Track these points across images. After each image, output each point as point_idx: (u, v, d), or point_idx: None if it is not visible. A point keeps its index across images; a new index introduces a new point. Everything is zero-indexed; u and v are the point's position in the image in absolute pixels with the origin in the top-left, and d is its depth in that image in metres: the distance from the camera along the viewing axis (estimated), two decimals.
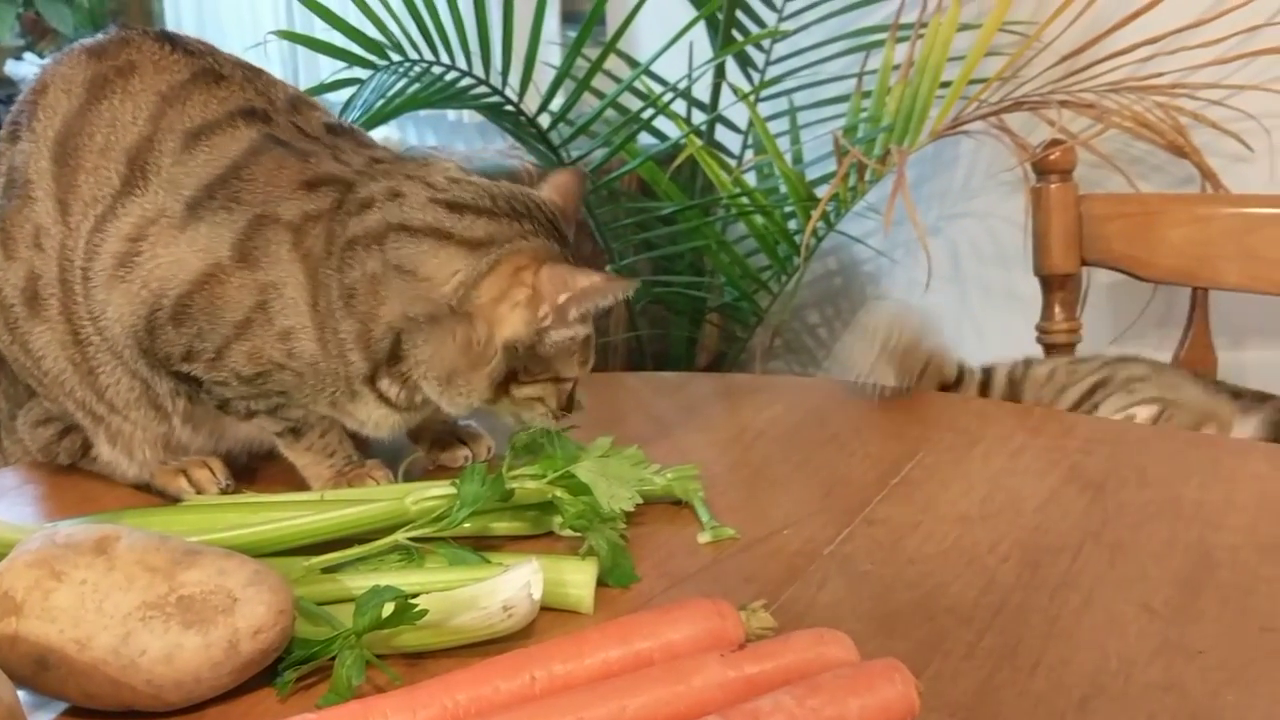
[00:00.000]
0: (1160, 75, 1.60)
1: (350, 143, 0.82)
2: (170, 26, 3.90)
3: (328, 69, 1.68)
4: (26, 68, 4.37)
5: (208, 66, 0.81)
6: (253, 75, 0.83)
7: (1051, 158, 1.31)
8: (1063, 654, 0.64)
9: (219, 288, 0.76)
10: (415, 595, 0.61)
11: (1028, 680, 0.62)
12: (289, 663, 0.61)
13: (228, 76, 0.81)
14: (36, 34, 4.44)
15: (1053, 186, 1.32)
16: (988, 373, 1.16)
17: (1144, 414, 1.03)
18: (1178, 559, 0.75)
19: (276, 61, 3.26)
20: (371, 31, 1.59)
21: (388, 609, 0.60)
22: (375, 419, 0.81)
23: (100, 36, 0.83)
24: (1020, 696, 0.61)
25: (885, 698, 0.55)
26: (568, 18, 2.61)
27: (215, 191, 0.76)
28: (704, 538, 0.78)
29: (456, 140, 2.98)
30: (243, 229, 0.76)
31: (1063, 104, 1.52)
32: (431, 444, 0.89)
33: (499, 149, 2.29)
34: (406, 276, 0.75)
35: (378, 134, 1.89)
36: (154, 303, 0.77)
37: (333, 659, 0.60)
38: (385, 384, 0.78)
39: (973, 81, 1.70)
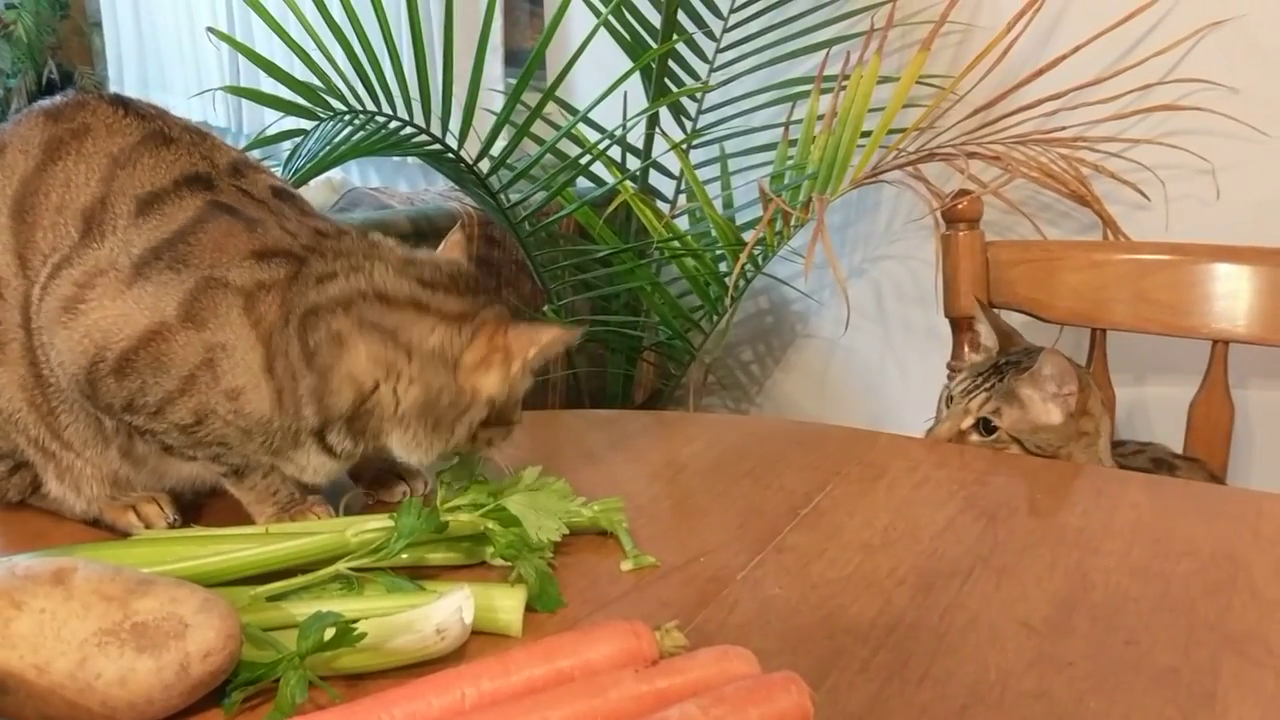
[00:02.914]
0: (1064, 128, 1.70)
1: (294, 210, 0.87)
2: (111, 65, 3.92)
3: (272, 115, 1.73)
4: None
5: (157, 130, 0.86)
6: (199, 139, 0.88)
7: (959, 207, 1.40)
8: (947, 667, 0.71)
9: (164, 345, 0.79)
10: (355, 620, 0.66)
11: (915, 691, 0.69)
12: (236, 684, 0.66)
13: (175, 140, 0.86)
14: None
15: (961, 234, 1.40)
16: None
17: None
18: (1057, 581, 0.82)
19: (222, 110, 3.30)
20: (314, 81, 1.64)
21: (329, 633, 0.65)
22: (314, 466, 0.86)
23: (58, 99, 0.88)
24: (907, 706, 0.67)
25: (782, 707, 0.61)
26: (510, 59, 2.69)
27: (162, 253, 0.80)
28: (626, 565, 0.83)
29: (399, 180, 3.03)
30: (189, 290, 0.79)
31: (971, 155, 1.61)
32: (371, 481, 0.94)
33: (440, 190, 2.34)
34: (386, 338, 0.81)
35: (322, 176, 1.94)
36: (96, 354, 0.80)
37: (277, 680, 0.65)
38: (334, 437, 0.83)
39: (892, 131, 1.79)
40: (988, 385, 1.23)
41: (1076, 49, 1.70)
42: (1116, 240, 1.68)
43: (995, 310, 1.38)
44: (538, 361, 0.85)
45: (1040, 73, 1.72)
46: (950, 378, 1.31)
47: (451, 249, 0.91)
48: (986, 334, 1.31)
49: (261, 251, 0.82)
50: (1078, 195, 1.66)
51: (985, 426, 1.21)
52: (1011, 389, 1.21)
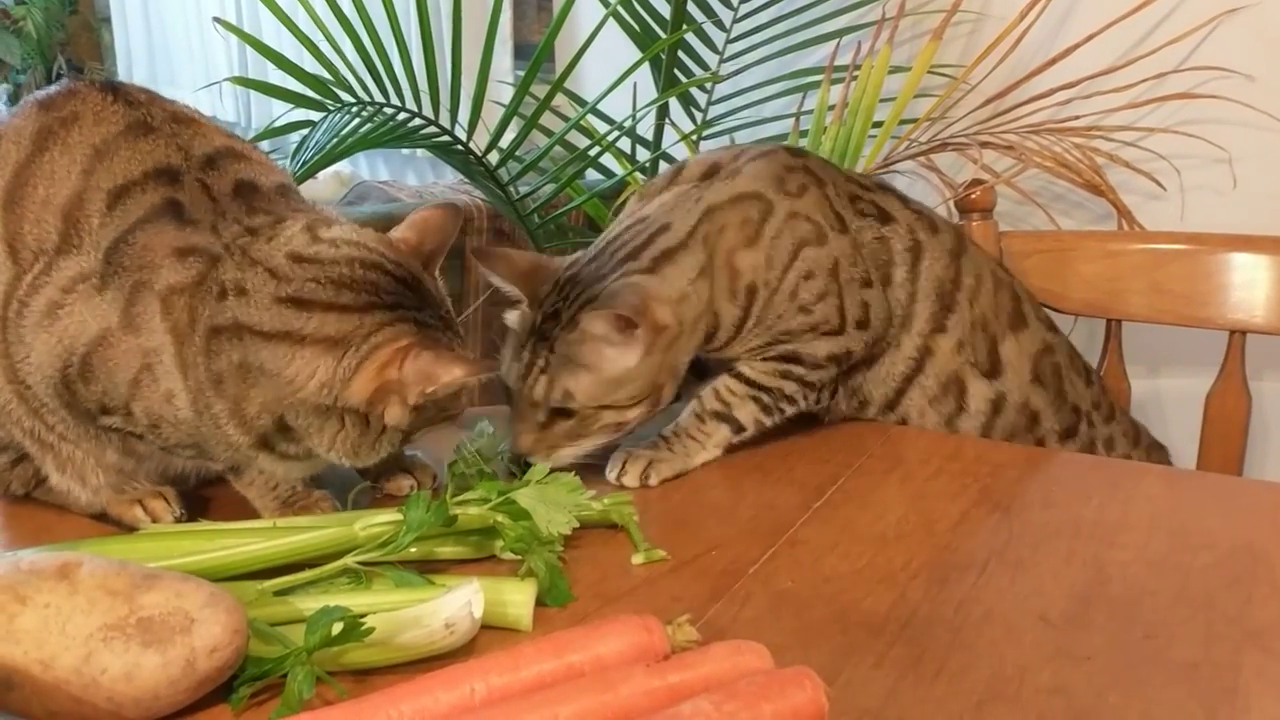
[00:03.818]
0: (1077, 118, 1.68)
1: (241, 208, 0.83)
2: (120, 60, 3.93)
3: (281, 108, 1.73)
4: None
5: (140, 119, 0.85)
6: (181, 128, 0.86)
7: (972, 197, 1.38)
8: (963, 662, 0.70)
9: (109, 350, 0.80)
10: (363, 615, 0.66)
11: (930, 686, 0.68)
12: (243, 679, 0.65)
13: (157, 129, 0.84)
14: None
15: (974, 224, 1.39)
16: None
17: None
18: (1074, 574, 0.81)
19: (231, 103, 3.29)
20: (322, 73, 1.64)
21: (337, 628, 0.64)
22: (282, 470, 0.85)
23: (53, 89, 0.87)
24: (922, 701, 0.66)
25: (796, 702, 0.60)
26: (519, 52, 2.68)
27: (110, 256, 0.80)
28: (637, 559, 0.83)
29: (408, 173, 3.03)
30: (127, 295, 0.79)
31: (984, 145, 1.59)
32: (378, 474, 0.93)
33: (449, 183, 2.34)
34: (270, 376, 0.78)
35: (331, 169, 1.93)
36: (66, 358, 0.81)
37: (284, 676, 0.64)
38: (282, 446, 0.82)
39: (903, 121, 1.78)
40: (541, 363, 0.94)
41: (1090, 37, 1.68)
42: (1131, 230, 1.66)
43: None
44: (445, 394, 0.79)
45: (1053, 62, 1.70)
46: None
47: (409, 228, 0.85)
48: (505, 286, 0.98)
49: (182, 250, 0.80)
50: (1092, 185, 1.64)
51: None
52: (567, 353, 0.94)
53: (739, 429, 1.01)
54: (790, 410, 1.04)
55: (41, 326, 0.81)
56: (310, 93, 1.60)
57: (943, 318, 1.09)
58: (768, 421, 1.03)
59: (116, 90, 0.86)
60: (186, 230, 0.80)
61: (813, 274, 1.01)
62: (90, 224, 0.81)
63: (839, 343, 1.03)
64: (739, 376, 1.03)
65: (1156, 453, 1.29)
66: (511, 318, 0.98)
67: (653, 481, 0.96)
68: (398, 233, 0.86)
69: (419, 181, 2.88)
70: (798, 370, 1.02)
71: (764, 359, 1.02)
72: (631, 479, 0.96)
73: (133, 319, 0.79)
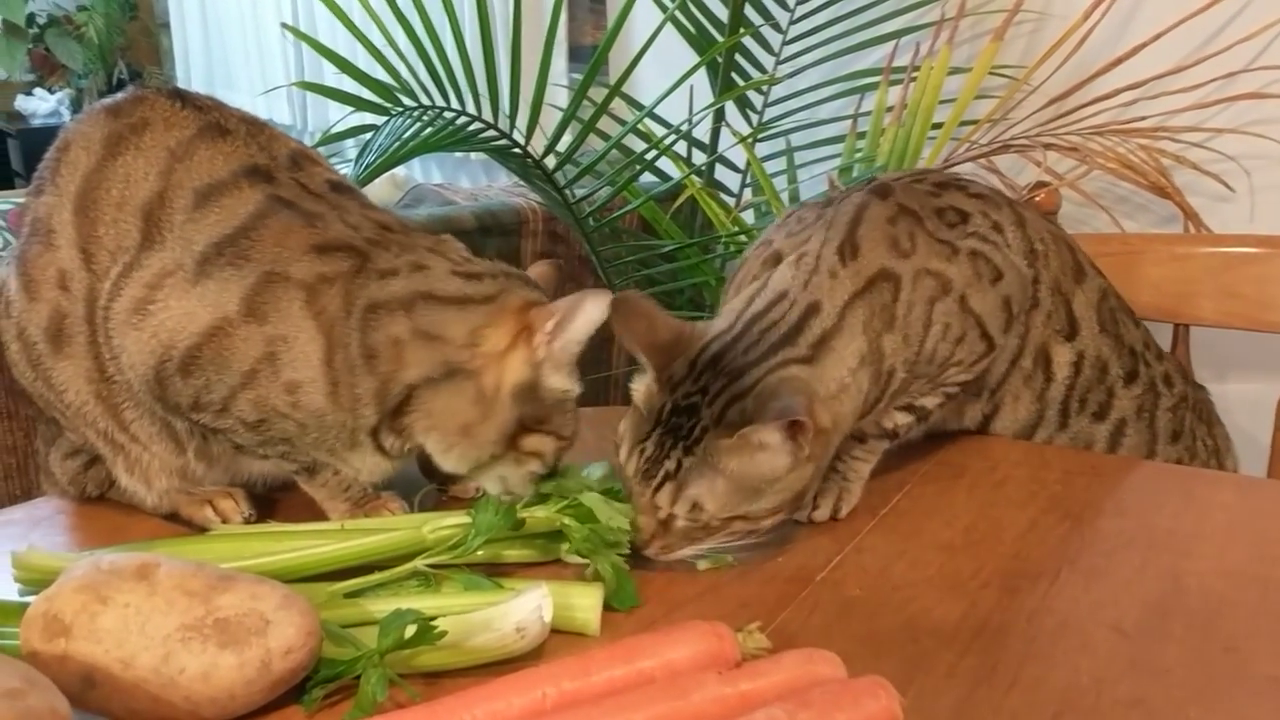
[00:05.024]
0: (1143, 119, 1.66)
1: (354, 203, 0.88)
2: (178, 64, 3.99)
3: (336, 112, 1.74)
4: (36, 102, 4.46)
5: (213, 122, 0.87)
6: (255, 131, 0.88)
7: (1036, 199, 1.37)
8: (1037, 673, 0.69)
9: (226, 340, 0.81)
10: (433, 618, 0.66)
11: (1004, 697, 0.67)
12: (316, 681, 0.66)
13: (232, 131, 0.86)
14: (46, 70, 4.53)
15: None
16: None
17: None
18: (1149, 584, 0.79)
19: (287, 107, 3.33)
20: (381, 74, 1.65)
21: (409, 631, 0.65)
22: (369, 466, 0.86)
23: (119, 96, 0.89)
24: (997, 713, 0.65)
25: (870, 712, 0.60)
26: (572, 55, 2.68)
27: (224, 249, 0.82)
28: (703, 565, 0.82)
29: (461, 176, 3.05)
30: (251, 285, 0.81)
31: (1047, 147, 1.57)
32: (445, 476, 0.94)
33: (503, 186, 2.34)
34: (432, 341, 0.81)
35: (387, 173, 1.95)
36: (163, 354, 0.82)
37: (357, 678, 0.65)
38: (385, 436, 0.84)
39: (963, 123, 1.76)
40: (669, 465, 0.81)
41: (1156, 37, 1.65)
42: (1199, 233, 1.63)
43: None
44: (563, 337, 0.81)
45: (1118, 62, 1.67)
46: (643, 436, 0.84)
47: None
48: (634, 350, 0.86)
49: (323, 246, 0.83)
50: (1157, 187, 1.61)
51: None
52: (709, 461, 0.80)
53: (894, 437, 1.00)
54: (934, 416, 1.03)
55: (130, 325, 0.82)
56: (374, 97, 1.62)
57: (1033, 291, 1.06)
58: (918, 428, 1.02)
59: (184, 97, 0.88)
60: (318, 227, 0.84)
61: (949, 325, 0.96)
62: (173, 220, 0.83)
63: (992, 357, 1.01)
64: (903, 406, 0.99)
65: (1201, 390, 1.27)
66: (638, 391, 0.86)
67: (843, 513, 0.90)
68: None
69: (472, 184, 2.89)
70: (954, 391, 1.01)
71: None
72: (823, 514, 0.90)
73: (257, 308, 0.81)
